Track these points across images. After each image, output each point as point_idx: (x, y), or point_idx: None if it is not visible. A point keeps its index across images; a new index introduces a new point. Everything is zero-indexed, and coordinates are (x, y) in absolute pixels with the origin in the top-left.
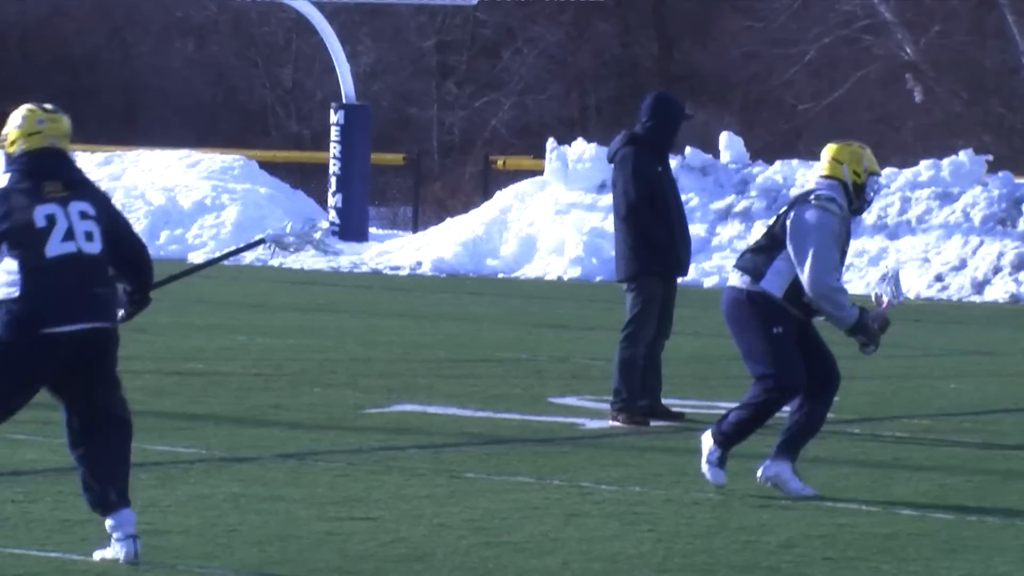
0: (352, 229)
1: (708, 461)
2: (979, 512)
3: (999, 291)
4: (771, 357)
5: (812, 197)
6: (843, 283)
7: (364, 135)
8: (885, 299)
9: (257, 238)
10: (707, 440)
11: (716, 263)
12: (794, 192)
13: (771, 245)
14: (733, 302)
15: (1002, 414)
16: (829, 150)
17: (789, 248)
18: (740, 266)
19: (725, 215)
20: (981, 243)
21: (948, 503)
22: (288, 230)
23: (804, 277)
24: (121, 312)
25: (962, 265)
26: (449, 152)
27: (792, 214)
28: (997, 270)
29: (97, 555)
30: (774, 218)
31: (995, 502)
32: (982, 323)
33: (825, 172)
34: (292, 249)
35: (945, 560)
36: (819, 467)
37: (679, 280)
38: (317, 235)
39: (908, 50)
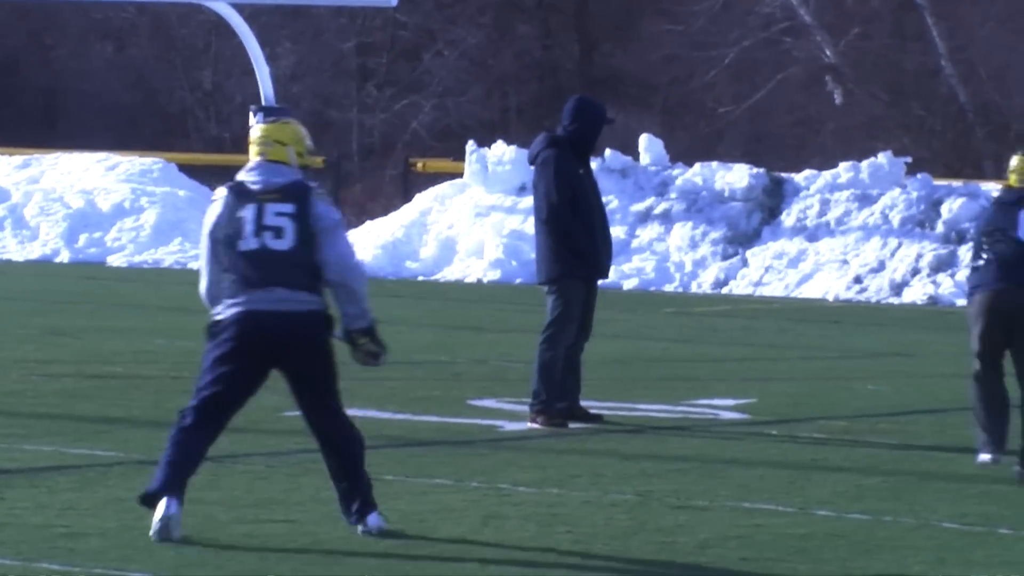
0: None
1: None
2: (895, 513)
3: (917, 293)
4: None
5: None
6: None
7: None
8: None
9: None
10: None
11: (636, 265)
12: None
13: None
14: None
15: (919, 415)
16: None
17: None
18: None
19: (645, 217)
20: (900, 245)
21: (864, 504)
22: None
23: None
24: None
25: (881, 267)
26: (369, 155)
27: None
28: (915, 272)
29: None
30: None
31: (911, 503)
32: (900, 325)
33: None
34: None
35: (861, 560)
36: (736, 468)
37: (599, 282)
38: None
39: (828, 52)
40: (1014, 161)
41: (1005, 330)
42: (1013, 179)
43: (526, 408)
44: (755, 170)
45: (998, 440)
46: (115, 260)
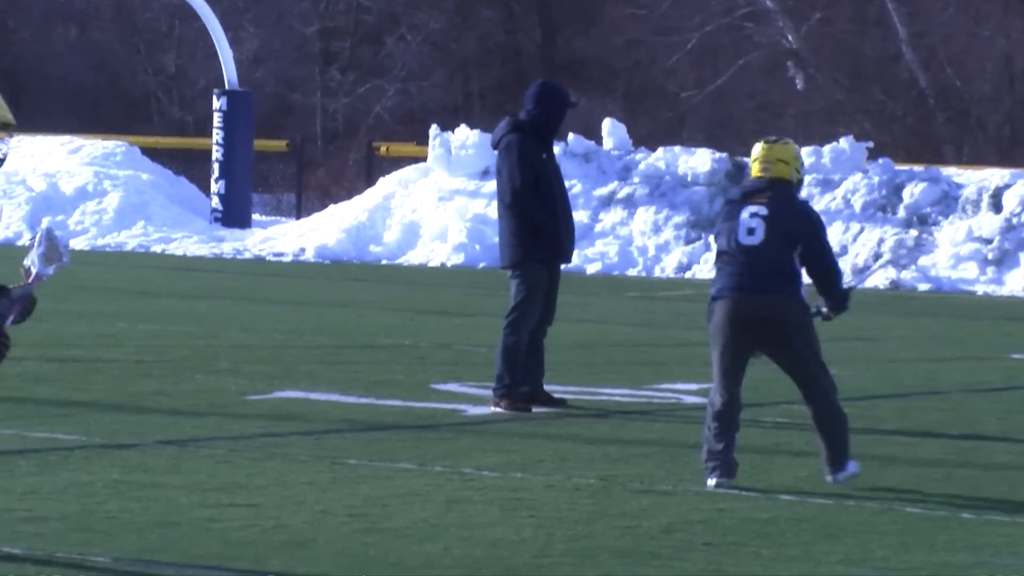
0: (235, 215)
1: None
2: (858, 497)
3: (879, 277)
4: None
5: None
6: None
7: (247, 121)
8: (33, 270)
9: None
10: None
11: (599, 250)
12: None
13: None
14: None
15: (881, 400)
16: None
17: None
18: None
19: (608, 202)
20: (862, 230)
21: (827, 488)
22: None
23: None
24: None
25: (843, 252)
26: (332, 139)
27: None
28: (877, 256)
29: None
30: None
31: (874, 487)
32: (862, 309)
33: None
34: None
35: (824, 544)
36: (699, 452)
37: (563, 267)
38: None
39: (790, 38)
40: (757, 149)
41: (750, 343)
42: (756, 168)
43: (490, 392)
44: (718, 155)
45: (728, 464)
46: (78, 243)
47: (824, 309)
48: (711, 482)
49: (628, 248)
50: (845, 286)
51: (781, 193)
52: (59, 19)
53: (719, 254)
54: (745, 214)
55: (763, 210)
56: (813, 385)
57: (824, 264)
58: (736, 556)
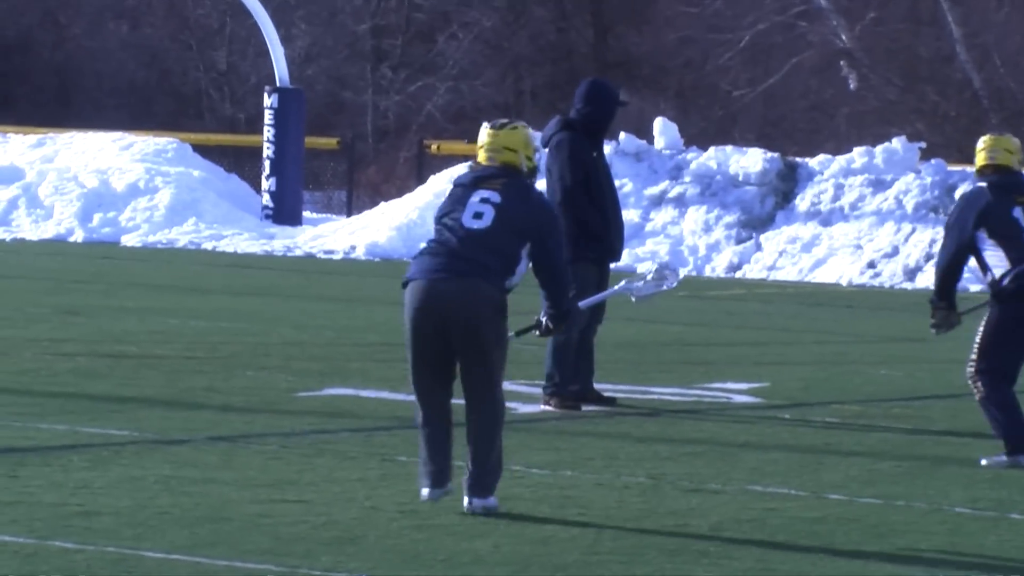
0: (286, 213)
1: None
2: (907, 497)
3: (930, 278)
4: None
5: None
6: None
7: (298, 119)
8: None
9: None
10: None
11: (649, 249)
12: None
13: None
14: None
15: (932, 400)
16: None
17: None
18: None
19: (659, 201)
20: (913, 230)
21: (877, 488)
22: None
23: None
24: None
25: (894, 252)
26: (383, 136)
27: None
28: (929, 257)
29: None
30: None
31: (924, 487)
32: (913, 310)
33: None
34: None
35: (873, 544)
36: (749, 452)
37: (612, 265)
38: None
39: (843, 37)
40: (482, 134)
41: (440, 336)
42: (482, 157)
43: (539, 390)
44: (769, 154)
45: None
46: (129, 240)
47: (544, 318)
48: (424, 493)
49: (679, 247)
50: (583, 303)
51: (516, 182)
52: (111, 16)
53: (435, 233)
54: (475, 198)
55: (495, 196)
56: (481, 405)
57: (553, 263)
58: (785, 555)
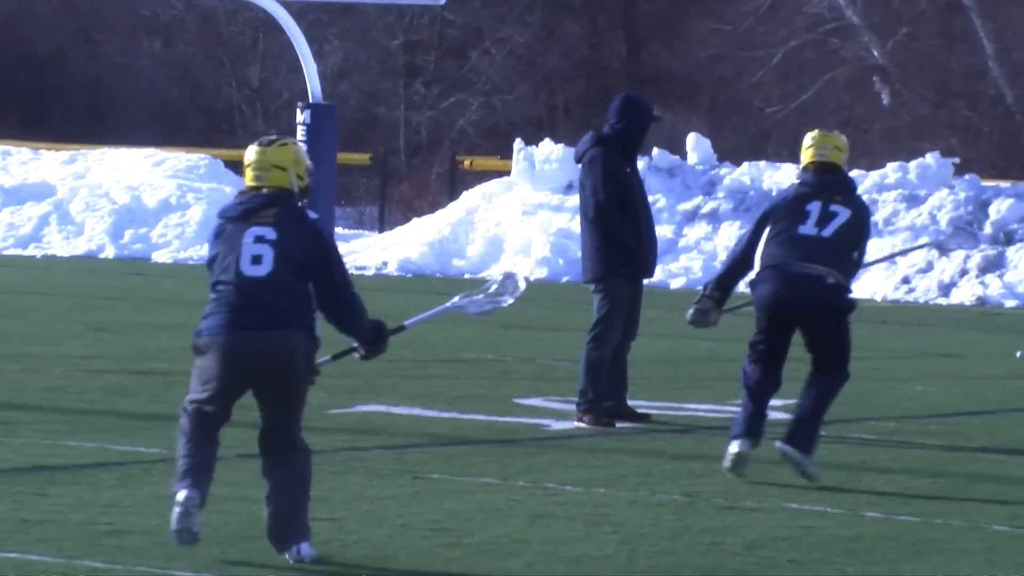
0: None
1: None
2: (944, 515)
3: (965, 294)
4: None
5: None
6: None
7: (331, 135)
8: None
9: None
10: None
11: (683, 264)
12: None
13: None
14: None
15: (967, 416)
16: None
17: None
18: None
19: (692, 216)
20: None
21: (914, 506)
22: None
23: None
24: None
25: (929, 268)
26: (416, 152)
27: None
28: (963, 273)
29: None
30: None
31: (960, 505)
32: (948, 326)
33: None
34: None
35: (910, 563)
36: (784, 469)
37: (645, 281)
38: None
39: (875, 53)
40: (249, 153)
41: (245, 389)
42: (248, 177)
43: (573, 407)
44: None
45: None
46: (160, 256)
47: (359, 351)
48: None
49: (712, 263)
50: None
51: (288, 211)
52: (144, 32)
53: (215, 284)
54: (249, 238)
55: (270, 233)
56: (291, 447)
57: (343, 294)
58: (821, 573)
